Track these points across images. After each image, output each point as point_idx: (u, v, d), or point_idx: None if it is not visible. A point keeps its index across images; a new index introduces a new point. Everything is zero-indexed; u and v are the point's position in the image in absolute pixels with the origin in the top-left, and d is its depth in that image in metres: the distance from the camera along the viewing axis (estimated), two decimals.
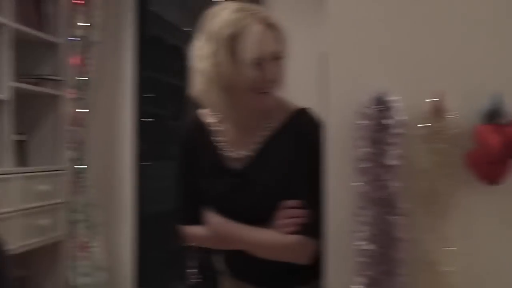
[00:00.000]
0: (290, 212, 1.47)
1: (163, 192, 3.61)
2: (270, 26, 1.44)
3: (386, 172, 1.39)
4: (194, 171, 1.64)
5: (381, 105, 1.46)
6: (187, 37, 1.72)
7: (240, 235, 1.54)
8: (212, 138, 1.59)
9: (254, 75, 1.40)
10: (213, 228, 1.57)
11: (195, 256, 2.93)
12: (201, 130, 1.62)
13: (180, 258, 3.21)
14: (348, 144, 1.44)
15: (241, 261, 1.63)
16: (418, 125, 1.16)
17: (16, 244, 2.61)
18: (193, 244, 1.74)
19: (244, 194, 1.54)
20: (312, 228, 1.42)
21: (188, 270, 2.98)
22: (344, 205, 1.26)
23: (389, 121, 1.46)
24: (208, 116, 1.62)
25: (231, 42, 1.40)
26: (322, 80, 1.53)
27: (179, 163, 1.71)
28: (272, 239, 1.49)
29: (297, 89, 1.69)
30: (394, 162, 1.40)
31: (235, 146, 1.56)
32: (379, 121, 1.46)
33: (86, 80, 3.21)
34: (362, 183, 1.40)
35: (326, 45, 1.55)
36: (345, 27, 1.50)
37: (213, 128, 1.60)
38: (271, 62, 1.43)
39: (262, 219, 1.49)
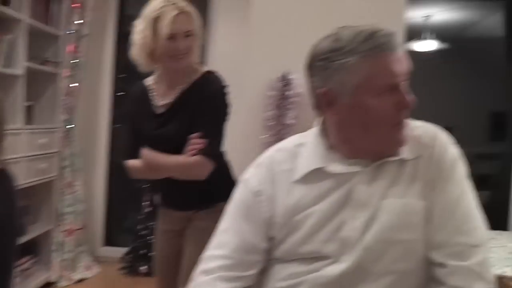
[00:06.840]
0: (193, 141, 1.63)
1: None
2: (184, 12, 1.64)
3: (285, 128, 1.64)
4: (135, 119, 1.80)
5: (285, 81, 1.80)
6: None
7: (158, 161, 1.68)
8: (149, 94, 1.78)
9: (168, 46, 1.63)
10: (144, 158, 1.70)
11: (147, 194, 3.65)
12: (141, 90, 1.81)
13: (138, 195, 3.94)
14: (259, 108, 1.83)
15: (166, 191, 1.81)
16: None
17: (22, 181, 2.84)
18: (135, 176, 1.79)
19: (164, 130, 1.71)
20: (209, 151, 1.62)
21: (143, 203, 3.73)
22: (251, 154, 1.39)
23: (290, 93, 1.77)
24: (149, 80, 1.83)
25: (154, 22, 1.62)
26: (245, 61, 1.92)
27: (126, 117, 1.87)
28: (179, 160, 1.65)
29: (228, 67, 2.09)
30: (291, 121, 1.72)
31: (163, 97, 1.75)
32: (283, 92, 1.71)
33: (77, 63, 3.57)
34: (267, 136, 1.80)
35: (249, 37, 2.03)
36: (262, 24, 1.99)
37: (150, 87, 1.80)
38: (183, 37, 1.64)
39: (178, 149, 1.66)
